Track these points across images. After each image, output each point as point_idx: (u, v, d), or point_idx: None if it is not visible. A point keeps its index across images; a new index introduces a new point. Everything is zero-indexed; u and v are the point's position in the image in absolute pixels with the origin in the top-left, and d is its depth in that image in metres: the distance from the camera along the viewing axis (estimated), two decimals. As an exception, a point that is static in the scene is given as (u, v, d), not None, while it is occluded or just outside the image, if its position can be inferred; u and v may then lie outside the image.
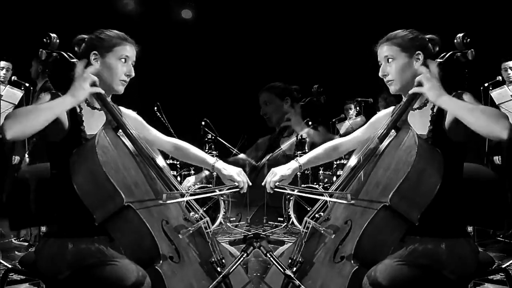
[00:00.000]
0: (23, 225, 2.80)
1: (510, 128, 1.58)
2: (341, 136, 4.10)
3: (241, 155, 3.67)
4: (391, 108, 2.05)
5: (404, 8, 5.93)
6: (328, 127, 6.15)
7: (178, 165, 5.10)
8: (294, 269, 1.79)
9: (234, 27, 6.84)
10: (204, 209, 4.43)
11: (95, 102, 1.91)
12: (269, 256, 1.72)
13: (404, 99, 1.89)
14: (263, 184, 2.06)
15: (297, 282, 1.66)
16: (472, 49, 1.79)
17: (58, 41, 1.86)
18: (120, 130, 1.87)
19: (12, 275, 2.51)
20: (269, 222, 4.54)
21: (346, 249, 1.73)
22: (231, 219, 4.93)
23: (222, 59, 6.87)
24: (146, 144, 1.92)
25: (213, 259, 1.84)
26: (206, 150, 4.88)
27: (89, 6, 6.05)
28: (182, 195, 1.91)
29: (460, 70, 1.87)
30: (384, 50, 1.92)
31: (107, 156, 1.75)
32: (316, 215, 1.94)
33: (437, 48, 1.92)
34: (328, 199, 1.88)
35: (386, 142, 1.83)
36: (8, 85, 4.32)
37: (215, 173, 2.78)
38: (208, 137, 5.21)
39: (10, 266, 3.01)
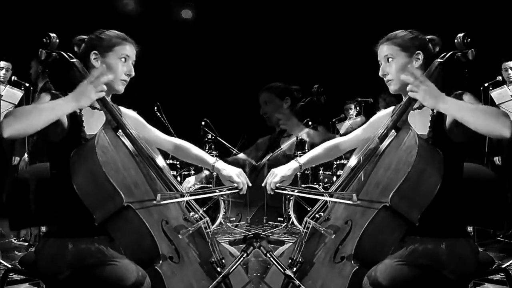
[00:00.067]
0: (23, 225, 2.79)
1: None
2: (341, 136, 4.09)
3: (241, 155, 3.66)
4: (391, 108, 2.05)
5: (404, 8, 5.93)
6: (328, 127, 6.16)
7: (178, 165, 5.11)
8: (294, 269, 1.79)
9: (234, 27, 6.85)
10: (204, 209, 4.43)
11: (95, 102, 1.90)
12: (269, 256, 1.72)
13: (404, 99, 1.89)
14: (263, 185, 2.06)
15: (297, 282, 1.66)
16: (473, 49, 1.79)
17: (57, 41, 1.86)
18: (120, 130, 1.87)
19: (12, 275, 2.51)
20: (269, 222, 4.55)
21: (346, 249, 1.73)
22: (231, 219, 4.94)
23: (222, 59, 6.87)
24: (146, 144, 1.91)
25: (213, 259, 1.84)
26: (206, 150, 4.88)
27: (89, 6, 6.05)
28: (182, 195, 1.90)
29: (460, 70, 1.86)
30: (384, 50, 1.93)
31: (106, 156, 1.74)
32: (316, 215, 1.94)
33: (437, 48, 1.92)
34: (333, 199, 1.87)
35: (386, 142, 1.83)
36: (8, 85, 4.32)
37: (215, 173, 2.78)
38: (208, 137, 5.22)
39: (10, 266, 3.01)
